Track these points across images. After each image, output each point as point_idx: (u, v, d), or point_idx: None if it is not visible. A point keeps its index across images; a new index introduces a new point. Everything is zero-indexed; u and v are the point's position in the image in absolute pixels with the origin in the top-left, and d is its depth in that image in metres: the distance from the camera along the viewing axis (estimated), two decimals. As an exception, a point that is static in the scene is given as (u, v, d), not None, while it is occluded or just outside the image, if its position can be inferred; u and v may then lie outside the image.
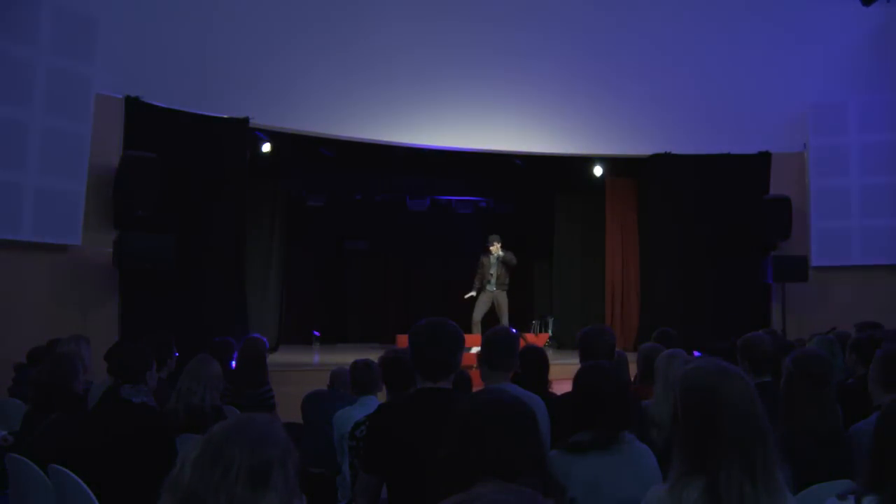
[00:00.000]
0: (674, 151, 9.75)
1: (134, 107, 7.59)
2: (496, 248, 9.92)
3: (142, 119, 7.62)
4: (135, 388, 3.13)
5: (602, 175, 11.02)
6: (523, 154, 10.36)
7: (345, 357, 7.23)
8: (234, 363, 5.19)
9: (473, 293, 9.97)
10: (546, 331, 11.33)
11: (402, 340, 8.83)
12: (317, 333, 11.81)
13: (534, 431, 1.73)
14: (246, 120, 8.43)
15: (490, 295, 9.93)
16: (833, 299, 8.86)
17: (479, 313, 9.84)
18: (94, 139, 7.08)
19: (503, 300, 9.95)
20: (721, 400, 1.75)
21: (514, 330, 3.75)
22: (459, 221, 12.82)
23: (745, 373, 1.88)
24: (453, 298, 10.19)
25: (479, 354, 3.40)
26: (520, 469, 1.61)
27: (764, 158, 9.57)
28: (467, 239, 11.77)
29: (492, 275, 9.92)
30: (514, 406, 1.76)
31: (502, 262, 9.87)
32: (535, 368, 3.73)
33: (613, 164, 10.91)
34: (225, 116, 8.33)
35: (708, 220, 9.56)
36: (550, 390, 3.78)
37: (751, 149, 9.56)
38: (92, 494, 2.59)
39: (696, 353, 4.33)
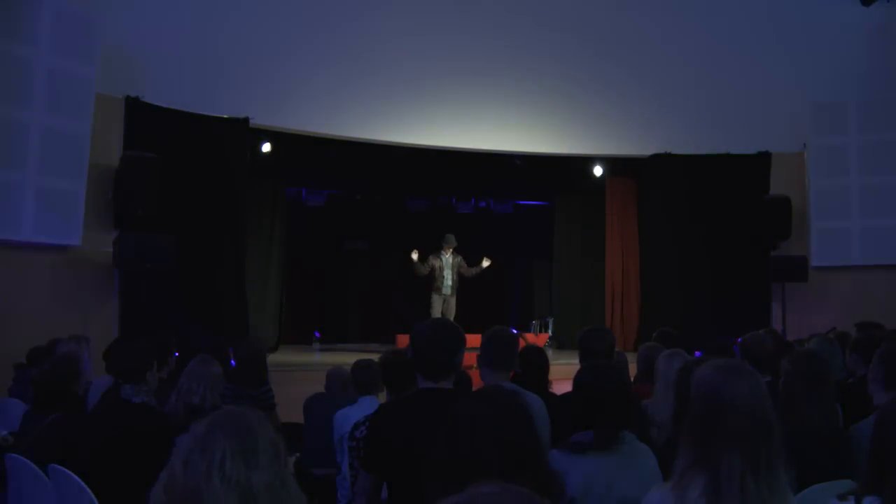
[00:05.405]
0: (674, 151, 9.74)
1: (134, 107, 7.60)
2: (449, 252, 9.65)
3: (142, 119, 7.63)
4: (135, 388, 3.13)
5: (602, 175, 11.03)
6: (523, 154, 10.35)
7: (345, 357, 7.24)
8: (234, 363, 5.19)
9: (414, 257, 9.58)
10: (546, 331, 11.33)
11: (403, 340, 8.82)
12: (317, 334, 11.80)
13: (529, 426, 1.73)
14: (246, 120, 8.44)
15: (442, 298, 9.64)
16: (833, 299, 8.85)
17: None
18: (94, 139, 7.07)
19: (453, 304, 9.64)
20: (729, 396, 1.76)
21: (514, 330, 3.75)
22: (459, 221, 12.79)
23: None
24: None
25: (478, 354, 3.40)
26: (519, 466, 1.61)
27: (764, 158, 9.57)
28: (467, 239, 11.74)
29: (444, 278, 9.63)
30: (510, 403, 1.76)
31: (457, 269, 9.61)
32: (535, 368, 3.73)
33: (613, 164, 10.92)
34: (225, 116, 8.33)
35: (708, 220, 9.56)
36: (550, 390, 3.78)
37: (751, 149, 9.56)
38: (92, 494, 2.59)
39: (696, 353, 4.32)
